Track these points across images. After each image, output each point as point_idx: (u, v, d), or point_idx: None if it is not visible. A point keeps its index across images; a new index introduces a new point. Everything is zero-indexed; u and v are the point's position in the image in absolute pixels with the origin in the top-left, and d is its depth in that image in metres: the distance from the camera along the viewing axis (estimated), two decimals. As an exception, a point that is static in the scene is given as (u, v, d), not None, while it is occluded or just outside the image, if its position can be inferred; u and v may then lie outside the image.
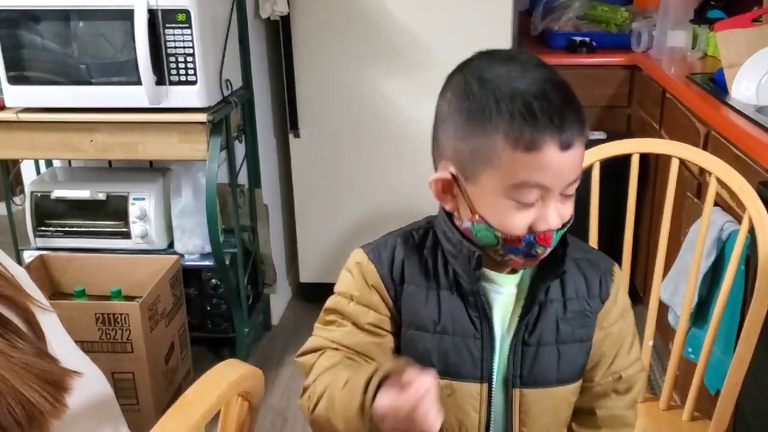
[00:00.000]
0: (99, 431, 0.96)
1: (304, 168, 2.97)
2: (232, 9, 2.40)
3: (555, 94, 0.91)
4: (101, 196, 2.46)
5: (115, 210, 2.48)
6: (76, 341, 1.03)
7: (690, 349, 1.91)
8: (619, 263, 1.57)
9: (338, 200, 2.96)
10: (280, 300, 3.07)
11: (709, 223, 1.55)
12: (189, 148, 2.23)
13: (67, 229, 2.51)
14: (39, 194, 2.49)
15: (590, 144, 1.59)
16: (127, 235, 2.48)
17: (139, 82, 2.14)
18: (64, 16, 2.15)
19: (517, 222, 0.95)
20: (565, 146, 0.90)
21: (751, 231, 1.43)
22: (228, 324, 2.59)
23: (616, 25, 3.19)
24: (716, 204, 1.86)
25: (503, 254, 0.99)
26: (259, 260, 2.77)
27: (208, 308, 2.58)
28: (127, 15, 2.10)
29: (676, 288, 2.02)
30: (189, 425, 0.68)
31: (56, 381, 0.86)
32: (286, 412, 2.43)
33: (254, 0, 2.68)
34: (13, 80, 2.20)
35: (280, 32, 2.82)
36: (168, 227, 2.52)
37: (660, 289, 1.61)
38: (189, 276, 2.51)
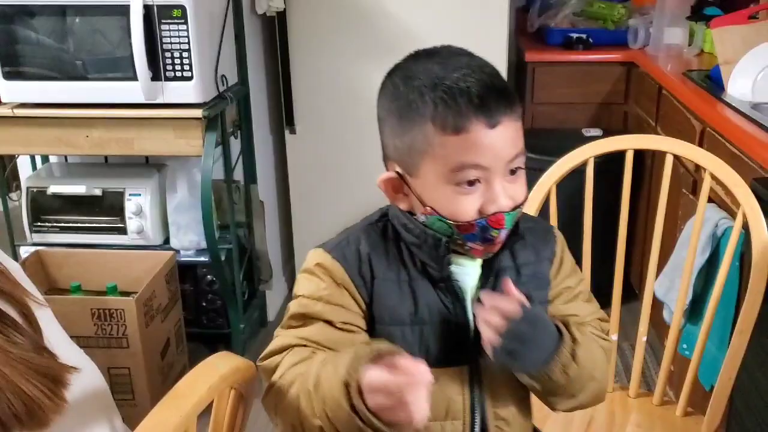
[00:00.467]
0: (94, 424, 0.96)
1: (300, 164, 2.97)
2: (227, 4, 2.40)
3: (475, 76, 0.95)
4: (97, 192, 2.46)
5: (111, 206, 2.47)
6: (71, 336, 1.03)
7: (684, 345, 1.92)
8: (614, 260, 1.58)
9: (334, 196, 2.96)
10: (276, 296, 3.07)
11: (704, 219, 1.55)
12: (184, 143, 2.23)
13: (63, 224, 2.50)
14: (35, 190, 2.49)
15: (586, 140, 1.60)
16: (123, 231, 2.48)
17: (134, 78, 2.14)
18: (60, 11, 2.15)
19: (465, 207, 0.97)
20: (492, 124, 0.94)
21: (746, 227, 1.43)
22: (223, 320, 2.58)
23: (613, 21, 3.19)
24: (711, 201, 1.86)
25: (462, 243, 1.00)
26: (255, 256, 2.77)
27: (204, 304, 2.58)
28: (122, 11, 2.10)
29: (671, 284, 2.02)
30: (180, 416, 0.68)
31: (55, 376, 0.86)
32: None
33: (250, -4, 2.68)
34: (9, 76, 2.20)
35: (276, 28, 2.81)
36: (164, 223, 2.52)
37: (654, 286, 1.61)
38: (184, 272, 2.50)
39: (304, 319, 1.02)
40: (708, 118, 2.10)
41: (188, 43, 2.13)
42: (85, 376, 0.96)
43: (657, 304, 1.98)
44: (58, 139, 2.26)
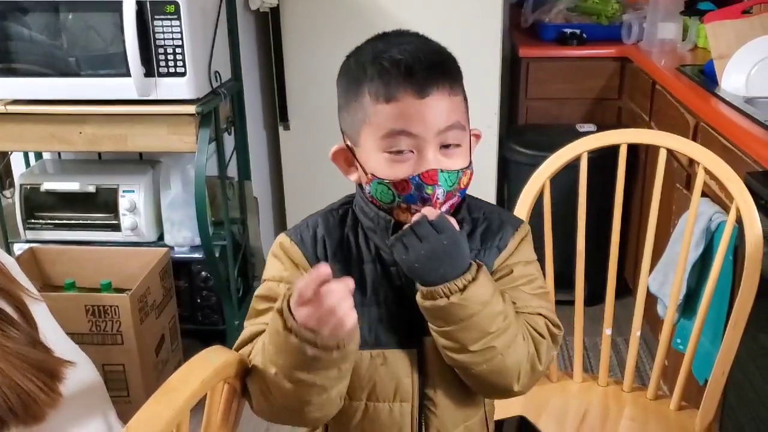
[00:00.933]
0: (88, 417, 0.96)
1: (294, 160, 2.96)
2: (221, 0, 2.39)
3: (411, 50, 1.00)
4: (91, 189, 2.46)
5: (104, 202, 2.47)
6: (66, 333, 1.03)
7: (678, 340, 1.92)
8: (608, 254, 1.58)
9: (328, 192, 2.94)
10: (271, 292, 3.06)
11: (698, 213, 1.55)
12: (178, 139, 2.22)
13: (56, 221, 2.50)
14: (29, 187, 2.48)
15: (580, 136, 1.60)
16: (116, 228, 2.48)
17: (128, 74, 2.13)
18: (53, 8, 2.14)
19: (398, 173, 1.00)
20: (421, 94, 0.98)
21: (739, 221, 1.43)
22: (218, 316, 2.59)
23: (607, 17, 3.19)
24: (705, 195, 1.87)
25: (405, 207, 1.02)
26: (249, 253, 2.77)
27: (199, 300, 2.57)
28: (115, 7, 2.09)
29: (664, 279, 2.02)
30: (173, 409, 0.68)
31: (51, 370, 0.86)
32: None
33: (244, -9, 2.68)
34: (2, 72, 2.20)
35: (269, 24, 2.81)
36: (158, 219, 2.52)
37: (648, 280, 1.62)
38: (179, 268, 2.50)
39: (269, 301, 1.06)
40: (702, 113, 2.10)
41: (181, 39, 2.12)
42: (80, 371, 0.96)
43: (651, 299, 1.99)
44: (51, 135, 2.25)
